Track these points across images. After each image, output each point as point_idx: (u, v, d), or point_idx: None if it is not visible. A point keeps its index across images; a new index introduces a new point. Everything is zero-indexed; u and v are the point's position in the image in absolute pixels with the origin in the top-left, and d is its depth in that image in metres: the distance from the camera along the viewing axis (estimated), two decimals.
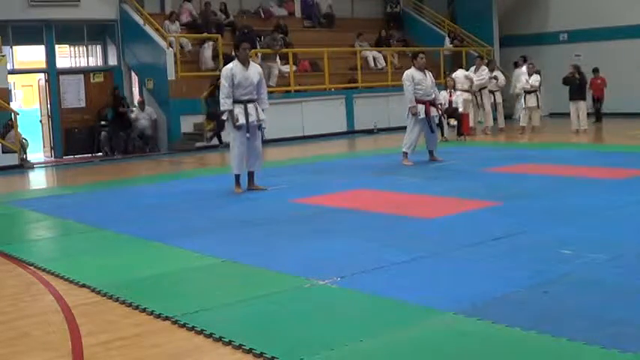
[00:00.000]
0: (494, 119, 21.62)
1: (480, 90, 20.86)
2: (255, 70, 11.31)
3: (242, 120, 11.04)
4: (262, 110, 11.34)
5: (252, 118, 11.14)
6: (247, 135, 11.15)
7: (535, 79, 20.84)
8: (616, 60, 24.57)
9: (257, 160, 11.50)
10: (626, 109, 23.78)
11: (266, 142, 12.50)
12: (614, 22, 25.51)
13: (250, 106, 11.15)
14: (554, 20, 27.73)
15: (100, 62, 23.28)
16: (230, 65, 11.21)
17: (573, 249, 6.64)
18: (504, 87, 21.90)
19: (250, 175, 11.52)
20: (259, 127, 11.39)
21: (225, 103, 11.04)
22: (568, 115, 20.63)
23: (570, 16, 26.87)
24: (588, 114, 20.80)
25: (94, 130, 21.61)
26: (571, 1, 26.93)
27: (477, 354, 4.38)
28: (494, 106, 21.56)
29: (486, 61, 22.43)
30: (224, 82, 11.06)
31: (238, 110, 11.05)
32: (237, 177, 11.42)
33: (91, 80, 22.42)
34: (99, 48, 23.30)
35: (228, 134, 11.46)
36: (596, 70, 23.18)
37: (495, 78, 21.49)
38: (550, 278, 5.76)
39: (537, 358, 4.29)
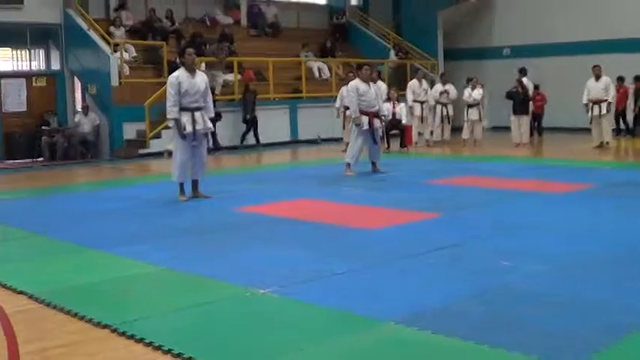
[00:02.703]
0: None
1: (423, 103, 21.05)
2: (201, 78, 11.28)
3: (189, 128, 11.00)
4: (209, 118, 11.32)
5: (199, 127, 11.11)
6: (194, 143, 11.12)
7: (478, 93, 21.10)
8: (557, 75, 24.93)
9: (202, 168, 11.45)
10: (566, 124, 24.10)
11: (209, 151, 12.44)
12: (557, 38, 25.92)
13: (197, 114, 11.11)
14: (497, 35, 28.09)
15: (42, 66, 23.02)
16: (176, 73, 11.16)
17: (513, 261, 6.72)
18: (455, 100, 22.14)
19: (195, 183, 11.47)
20: (206, 136, 11.38)
21: (171, 112, 11.00)
22: (510, 128, 20.90)
23: (513, 32, 27.26)
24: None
25: (36, 135, 21.34)
26: (514, 17, 27.31)
27: None
28: (448, 118, 21.78)
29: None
30: (170, 90, 11.01)
31: (186, 118, 11.01)
32: (182, 185, 11.36)
33: (33, 84, 22.17)
34: (42, 52, 23.04)
35: (171, 141, 11.37)
36: (536, 87, 23.45)
37: (446, 92, 21.70)
38: (490, 289, 5.82)
39: None
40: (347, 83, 15.70)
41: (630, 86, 22.36)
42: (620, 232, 8.07)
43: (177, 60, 15.45)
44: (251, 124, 21.81)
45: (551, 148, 20.59)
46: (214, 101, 20.22)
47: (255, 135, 21.96)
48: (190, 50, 11.41)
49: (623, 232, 8.12)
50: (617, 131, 22.19)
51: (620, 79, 21.40)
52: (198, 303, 5.75)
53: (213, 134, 20.15)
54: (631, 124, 22.82)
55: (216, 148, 20.03)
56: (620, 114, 22.50)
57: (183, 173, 11.26)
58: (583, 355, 4.36)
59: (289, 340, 4.86)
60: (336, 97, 19.80)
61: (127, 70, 21.28)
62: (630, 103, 22.59)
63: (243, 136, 21.95)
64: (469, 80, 22.00)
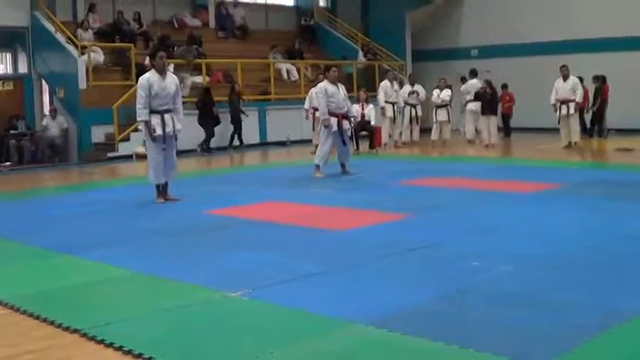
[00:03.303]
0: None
1: (394, 104, 21.09)
2: (171, 80, 11.27)
3: (159, 131, 11.00)
4: (178, 120, 11.31)
5: (169, 129, 11.11)
6: (163, 146, 11.12)
7: (446, 94, 21.20)
8: (524, 75, 25.09)
9: (172, 171, 11.44)
10: (533, 124, 24.27)
11: (179, 154, 12.40)
12: (524, 39, 26.07)
13: (167, 116, 11.11)
14: (465, 36, 28.22)
15: (9, 70, 22.86)
16: (147, 75, 11.13)
17: (483, 261, 6.75)
18: (424, 101, 22.22)
19: (165, 185, 11.45)
20: (176, 138, 11.37)
21: (141, 114, 10.98)
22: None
23: (481, 33, 27.37)
24: (498, 128, 21.18)
25: (3, 139, 21.16)
26: (482, 18, 27.44)
27: None
28: (417, 119, 21.84)
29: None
30: (141, 92, 10.98)
31: (155, 121, 11.00)
32: (158, 187, 11.35)
33: (0, 88, 22.00)
34: (9, 56, 22.87)
35: (140, 144, 11.37)
36: (504, 86, 23.63)
37: (416, 92, 21.76)
38: (459, 290, 5.84)
39: None
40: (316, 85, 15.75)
41: (588, 87, 22.43)
42: (589, 232, 8.14)
43: (147, 62, 15.42)
44: (235, 124, 22.04)
45: (519, 148, 20.71)
46: (213, 104, 20.69)
47: (233, 136, 22.22)
48: (162, 53, 11.37)
49: (592, 231, 8.18)
50: (584, 131, 22.31)
51: (579, 80, 21.59)
52: (169, 307, 5.72)
53: (209, 136, 20.57)
54: (588, 124, 22.87)
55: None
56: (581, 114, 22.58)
57: (158, 175, 11.26)
58: (553, 355, 4.38)
59: (260, 343, 4.85)
60: (304, 99, 19.85)
61: (102, 60, 21.34)
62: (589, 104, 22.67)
63: (234, 137, 22.17)
64: (463, 79, 22.31)
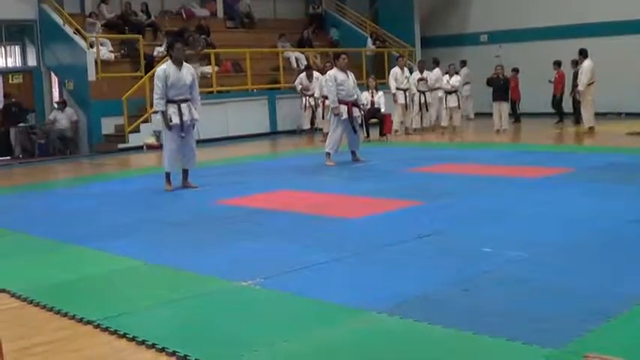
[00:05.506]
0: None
1: (406, 91, 21.00)
2: (188, 70, 11.45)
3: (176, 120, 11.24)
4: (195, 109, 11.46)
5: (186, 118, 11.34)
6: (182, 134, 11.33)
7: (455, 80, 21.14)
8: (534, 61, 24.95)
9: (192, 159, 11.74)
10: (543, 109, 24.15)
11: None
12: (533, 23, 25.91)
13: (184, 105, 11.34)
14: (474, 21, 28.08)
15: (18, 63, 22.85)
16: (164, 66, 11.39)
17: (494, 247, 6.75)
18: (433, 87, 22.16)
19: (185, 172, 11.73)
20: (193, 126, 11.51)
21: (158, 104, 11.26)
22: (489, 115, 20.95)
23: (490, 18, 27.24)
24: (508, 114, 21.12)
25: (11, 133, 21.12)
26: (491, 3, 27.30)
27: (399, 353, 4.43)
28: (426, 106, 21.75)
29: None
30: (158, 83, 11.23)
31: (172, 110, 11.22)
32: (168, 175, 11.57)
33: (10, 81, 22.00)
34: (17, 48, 22.87)
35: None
36: (514, 71, 23.47)
37: (424, 79, 21.67)
38: (471, 276, 5.85)
39: (459, 355, 4.35)
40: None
41: (562, 71, 22.24)
42: (600, 217, 8.11)
43: (156, 52, 15.36)
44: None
45: (529, 133, 20.63)
46: None
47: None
48: (179, 45, 11.56)
49: (603, 216, 8.15)
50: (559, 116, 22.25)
51: (557, 64, 21.50)
52: (182, 297, 5.74)
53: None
54: (567, 109, 22.58)
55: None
56: (559, 99, 22.42)
57: (171, 163, 11.51)
58: (566, 340, 4.38)
59: (273, 332, 4.86)
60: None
61: (111, 56, 21.37)
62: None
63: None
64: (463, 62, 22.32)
